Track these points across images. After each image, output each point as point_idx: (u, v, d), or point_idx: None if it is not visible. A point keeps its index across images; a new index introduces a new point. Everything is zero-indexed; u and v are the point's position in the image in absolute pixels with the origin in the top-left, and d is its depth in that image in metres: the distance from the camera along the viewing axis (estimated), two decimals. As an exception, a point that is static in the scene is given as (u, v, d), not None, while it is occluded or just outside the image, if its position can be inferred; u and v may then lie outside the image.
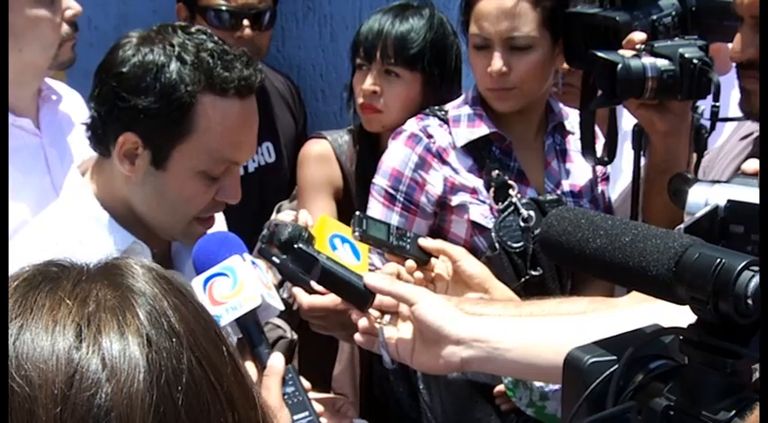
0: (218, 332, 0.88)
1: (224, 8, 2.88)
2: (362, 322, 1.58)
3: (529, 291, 1.84)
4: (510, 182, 2.29)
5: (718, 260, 0.88)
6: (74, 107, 2.34)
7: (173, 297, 0.86)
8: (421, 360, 1.53)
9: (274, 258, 1.67)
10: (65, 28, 2.22)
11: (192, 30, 1.76)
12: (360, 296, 1.58)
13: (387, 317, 1.58)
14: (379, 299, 1.58)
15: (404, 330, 1.55)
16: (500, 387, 2.18)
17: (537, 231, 2.25)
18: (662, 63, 1.89)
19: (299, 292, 1.78)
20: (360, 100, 2.60)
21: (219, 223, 2.00)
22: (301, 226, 1.74)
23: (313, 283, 1.69)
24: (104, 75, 1.73)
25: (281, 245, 1.68)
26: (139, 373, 0.78)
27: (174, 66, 1.68)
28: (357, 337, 1.59)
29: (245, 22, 2.90)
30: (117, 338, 0.79)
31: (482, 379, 2.21)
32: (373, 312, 1.60)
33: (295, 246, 1.61)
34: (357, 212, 1.75)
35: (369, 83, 2.56)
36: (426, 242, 1.73)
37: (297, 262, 1.61)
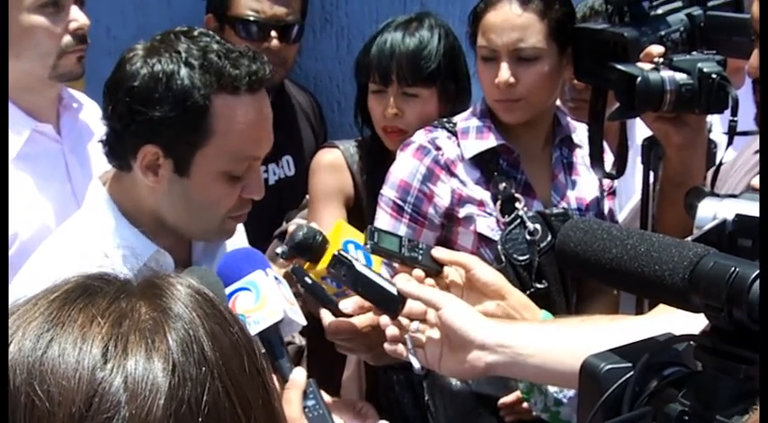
0: (258, 364, 0.87)
1: (253, 19, 2.91)
2: (391, 330, 1.60)
3: (534, 303, 1.85)
4: (516, 195, 2.31)
5: (733, 269, 0.91)
6: (93, 116, 2.35)
7: (212, 323, 0.84)
8: (448, 365, 1.56)
9: (306, 279, 1.70)
10: (66, 39, 2.21)
11: (195, 33, 1.77)
12: (392, 301, 1.61)
13: (415, 323, 1.60)
14: (407, 305, 1.60)
15: (432, 336, 1.57)
16: (504, 399, 2.20)
17: (543, 244, 2.27)
18: (680, 77, 1.91)
19: (325, 314, 1.79)
20: (381, 124, 2.59)
21: (239, 233, 2.02)
22: (316, 229, 1.76)
23: (341, 306, 1.71)
24: (116, 91, 1.73)
25: (294, 246, 1.70)
26: (159, 398, 0.77)
27: (183, 72, 1.68)
28: (386, 345, 1.61)
29: (273, 33, 2.92)
30: (143, 361, 0.78)
31: (486, 390, 2.23)
32: (401, 321, 1.62)
33: (336, 253, 1.64)
34: (369, 226, 1.76)
35: (390, 107, 2.54)
36: (439, 253, 1.73)
37: (334, 266, 1.63)
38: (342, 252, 1.64)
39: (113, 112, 1.74)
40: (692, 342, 1.00)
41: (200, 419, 0.78)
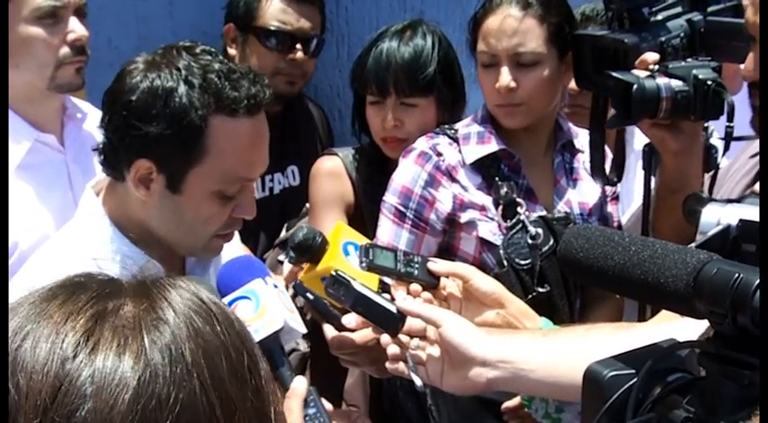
0: (254, 368, 0.87)
1: (280, 30, 2.93)
2: (392, 349, 1.60)
3: (536, 308, 1.85)
4: (518, 200, 2.31)
5: (737, 275, 0.91)
6: (97, 126, 2.37)
7: (200, 325, 0.85)
8: (450, 382, 1.56)
9: (308, 295, 1.69)
10: (64, 50, 2.21)
11: (197, 50, 1.76)
12: (392, 319, 1.60)
13: (415, 341, 1.60)
14: (407, 323, 1.60)
15: (432, 353, 1.58)
16: (508, 403, 2.20)
17: (545, 249, 2.28)
18: (676, 84, 1.91)
19: (328, 329, 1.79)
20: (381, 135, 2.60)
21: (235, 242, 2.02)
22: (316, 229, 1.76)
23: (344, 321, 1.71)
24: (114, 103, 1.73)
25: (294, 246, 1.69)
26: (126, 393, 0.78)
27: (182, 90, 1.67)
28: (388, 364, 1.61)
29: (298, 46, 2.94)
30: (112, 356, 0.79)
31: (489, 395, 2.23)
32: (401, 338, 1.61)
33: (333, 273, 1.62)
34: (364, 243, 1.74)
35: (389, 119, 2.55)
36: (435, 266, 1.72)
37: (332, 286, 1.62)
38: (339, 272, 1.63)
39: (110, 123, 1.75)
40: (695, 348, 1.01)
41: (169, 416, 0.78)
